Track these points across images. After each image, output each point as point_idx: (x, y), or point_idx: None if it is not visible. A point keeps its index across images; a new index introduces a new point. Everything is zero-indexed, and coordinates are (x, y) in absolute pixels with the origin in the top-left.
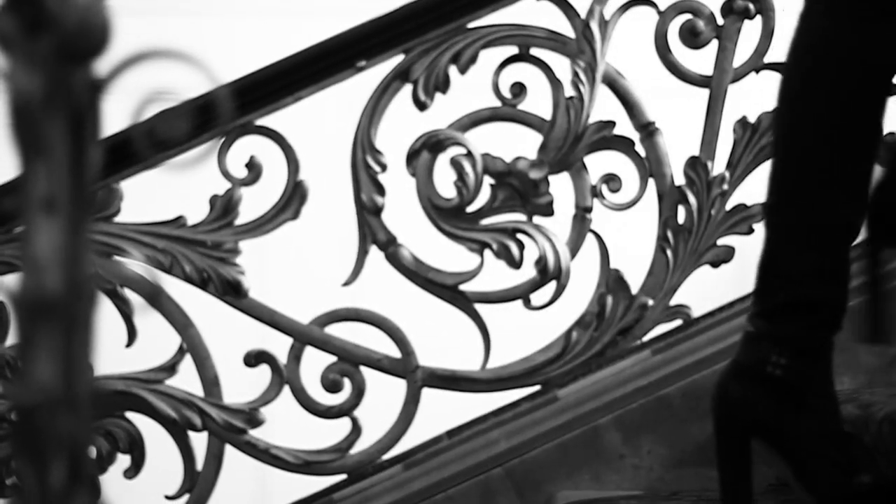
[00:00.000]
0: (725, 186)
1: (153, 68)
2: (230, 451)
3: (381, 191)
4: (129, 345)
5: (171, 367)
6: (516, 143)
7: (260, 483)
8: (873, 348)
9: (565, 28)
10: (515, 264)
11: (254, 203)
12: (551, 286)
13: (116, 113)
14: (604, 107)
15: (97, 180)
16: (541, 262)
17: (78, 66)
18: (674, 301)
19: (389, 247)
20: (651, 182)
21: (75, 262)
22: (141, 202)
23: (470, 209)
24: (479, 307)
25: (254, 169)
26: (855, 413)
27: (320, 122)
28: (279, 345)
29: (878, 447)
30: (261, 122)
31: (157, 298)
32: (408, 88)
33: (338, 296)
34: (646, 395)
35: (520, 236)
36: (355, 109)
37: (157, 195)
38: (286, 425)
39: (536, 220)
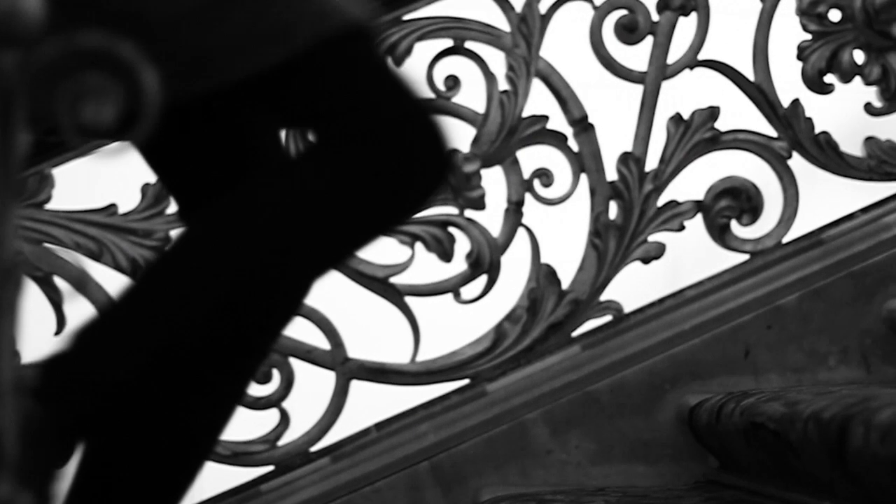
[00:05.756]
0: (658, 183)
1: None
2: None
3: None
4: (58, 333)
5: None
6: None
7: None
8: (802, 346)
9: (501, 22)
10: (447, 257)
11: None
12: (482, 280)
13: None
14: (538, 101)
15: (27, 166)
16: (472, 256)
17: (7, 50)
18: (604, 297)
19: None
20: (584, 177)
21: (2, 248)
22: (74, 190)
23: None
24: (409, 300)
25: None
26: (781, 411)
27: None
28: None
29: (803, 445)
30: None
31: (83, 285)
32: None
33: None
34: (574, 391)
35: (451, 229)
36: None
37: (91, 183)
38: None
39: (468, 213)
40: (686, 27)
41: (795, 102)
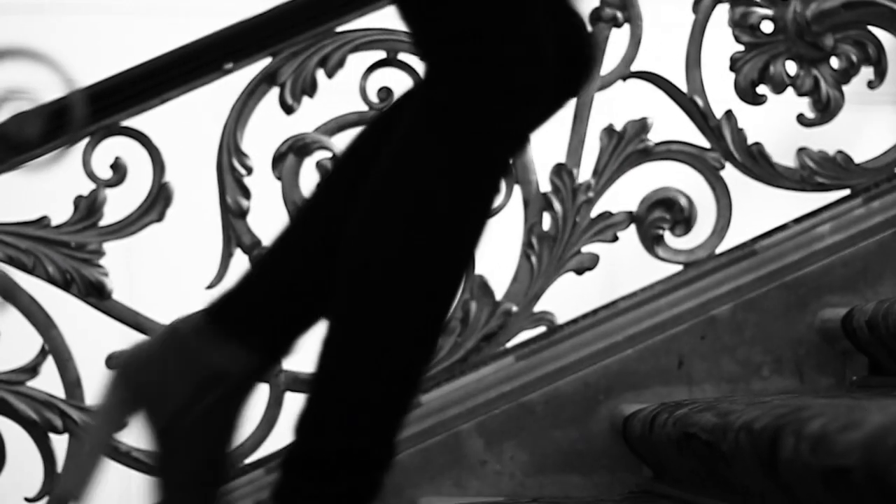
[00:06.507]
0: (591, 194)
1: (10, 67)
2: None
3: (246, 194)
4: None
5: (32, 369)
6: None
7: (125, 486)
8: (736, 357)
9: None
10: None
11: (121, 204)
12: None
13: None
14: None
15: None
16: None
17: None
18: (538, 307)
19: (254, 250)
20: (517, 188)
21: None
22: (6, 202)
23: None
24: None
25: (119, 170)
26: (713, 421)
27: (187, 124)
28: None
29: (735, 455)
30: (127, 122)
31: (12, 296)
32: (275, 91)
33: (203, 299)
34: (508, 402)
35: None
36: (222, 112)
37: (23, 195)
38: None
39: None
40: (619, 39)
41: (728, 113)
